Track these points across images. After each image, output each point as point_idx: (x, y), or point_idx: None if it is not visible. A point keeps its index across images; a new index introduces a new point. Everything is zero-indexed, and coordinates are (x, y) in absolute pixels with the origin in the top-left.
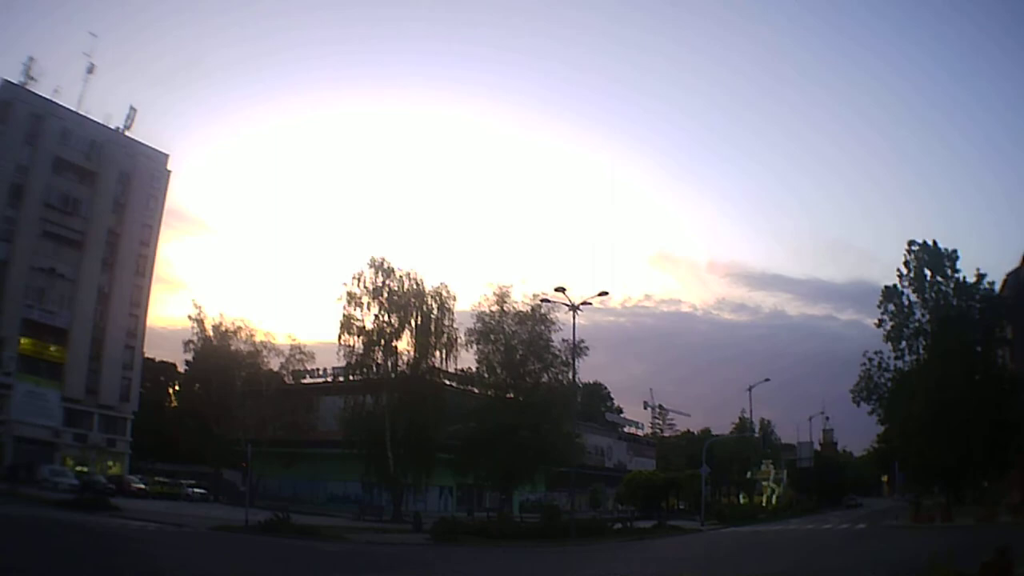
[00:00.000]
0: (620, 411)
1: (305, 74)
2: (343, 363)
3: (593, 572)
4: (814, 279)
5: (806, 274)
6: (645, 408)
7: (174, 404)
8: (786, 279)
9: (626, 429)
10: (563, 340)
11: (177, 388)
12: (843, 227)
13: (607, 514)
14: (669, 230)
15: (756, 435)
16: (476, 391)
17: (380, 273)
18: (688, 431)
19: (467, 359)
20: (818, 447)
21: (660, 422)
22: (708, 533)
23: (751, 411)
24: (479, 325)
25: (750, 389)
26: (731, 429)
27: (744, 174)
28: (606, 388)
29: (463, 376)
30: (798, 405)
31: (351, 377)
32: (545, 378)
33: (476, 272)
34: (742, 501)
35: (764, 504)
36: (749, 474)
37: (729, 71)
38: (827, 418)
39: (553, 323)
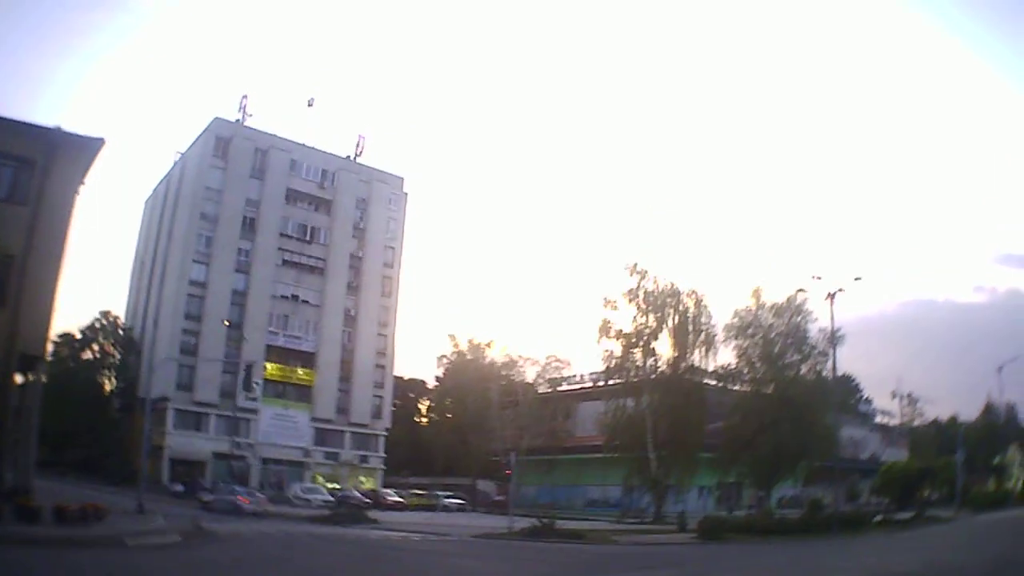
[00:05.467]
0: (870, 402)
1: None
2: (599, 368)
3: (877, 559)
4: None
5: None
6: (893, 398)
7: (424, 419)
8: None
9: (877, 419)
10: (819, 330)
11: (429, 403)
12: None
13: (863, 507)
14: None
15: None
16: (735, 387)
17: (635, 276)
18: (936, 419)
19: (725, 356)
20: None
21: (909, 411)
22: (967, 520)
23: (1001, 393)
24: (736, 320)
25: (1000, 369)
26: (978, 414)
27: None
28: (855, 379)
29: (721, 373)
30: None
31: (610, 380)
32: (804, 370)
33: (728, 269)
34: (991, 488)
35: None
36: (998, 459)
37: None
38: None
39: (809, 313)
